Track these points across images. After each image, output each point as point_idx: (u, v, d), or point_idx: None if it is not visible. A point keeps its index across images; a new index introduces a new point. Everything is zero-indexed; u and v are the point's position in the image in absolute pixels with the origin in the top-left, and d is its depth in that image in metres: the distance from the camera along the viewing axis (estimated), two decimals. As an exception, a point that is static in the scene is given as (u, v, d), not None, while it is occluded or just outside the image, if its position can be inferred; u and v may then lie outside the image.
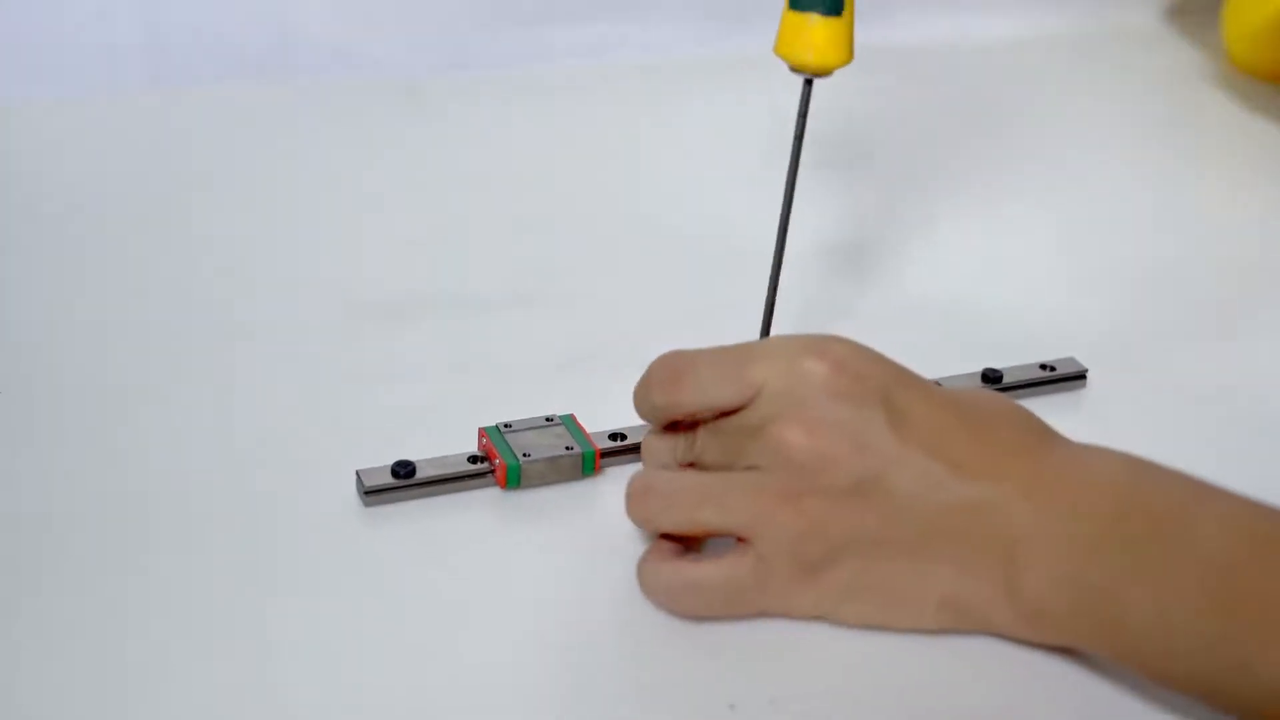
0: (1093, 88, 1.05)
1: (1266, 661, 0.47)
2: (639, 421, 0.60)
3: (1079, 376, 0.70)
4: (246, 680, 0.53)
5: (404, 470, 0.60)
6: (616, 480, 0.60)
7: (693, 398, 0.56)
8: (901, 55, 1.06)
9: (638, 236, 0.82)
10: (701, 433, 0.57)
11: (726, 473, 0.55)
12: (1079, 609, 0.51)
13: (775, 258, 0.64)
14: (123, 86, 0.95)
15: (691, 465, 0.58)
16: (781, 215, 0.63)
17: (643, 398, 0.58)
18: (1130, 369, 0.72)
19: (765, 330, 0.65)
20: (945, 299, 0.78)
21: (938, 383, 0.65)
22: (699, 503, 0.55)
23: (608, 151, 0.93)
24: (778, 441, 0.54)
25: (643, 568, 0.56)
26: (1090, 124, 1.00)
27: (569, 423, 0.63)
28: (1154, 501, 0.51)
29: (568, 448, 0.62)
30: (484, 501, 0.61)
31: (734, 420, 0.55)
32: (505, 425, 0.63)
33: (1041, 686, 0.53)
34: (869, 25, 1.13)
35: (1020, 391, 0.69)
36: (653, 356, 0.65)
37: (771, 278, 0.64)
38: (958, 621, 0.54)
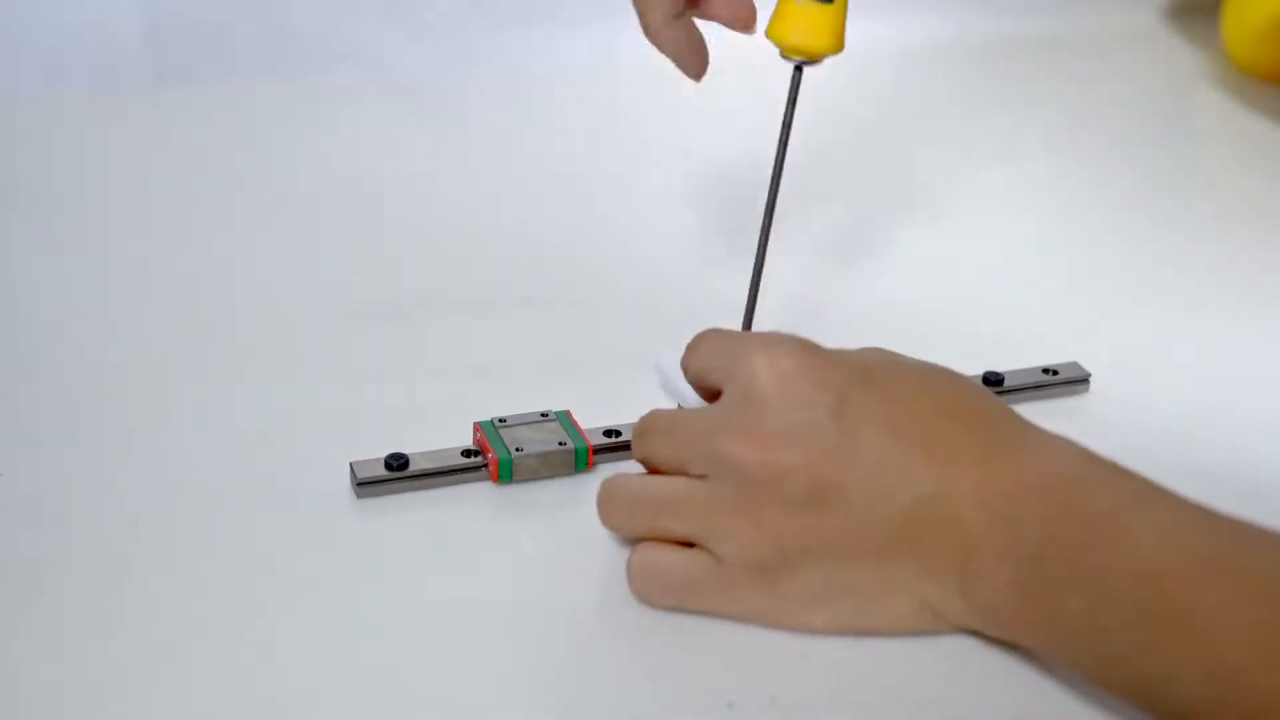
0: (1093, 88, 1.05)
1: (1190, 673, 0.47)
2: (634, 419, 0.60)
3: (1082, 381, 0.70)
4: (239, 670, 0.53)
5: (397, 462, 0.60)
6: (610, 477, 0.60)
7: (690, 367, 0.59)
8: (902, 54, 1.06)
9: (637, 235, 0.82)
10: (649, 433, 0.57)
11: (684, 480, 0.55)
12: (1022, 614, 0.51)
13: (759, 248, 0.64)
14: (123, 86, 0.95)
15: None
16: (767, 204, 0.64)
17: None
18: (1132, 373, 0.71)
19: (746, 326, 0.66)
20: (947, 300, 0.77)
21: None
22: (657, 511, 0.55)
23: (607, 151, 0.93)
24: (730, 453, 0.53)
25: (634, 549, 0.56)
26: (1090, 124, 1.00)
27: (564, 419, 0.63)
28: (1093, 505, 0.51)
29: (560, 443, 0.62)
30: (476, 495, 0.61)
31: (690, 419, 0.56)
32: (500, 420, 0.63)
33: (1040, 685, 0.53)
34: (869, 24, 1.13)
35: (1022, 395, 0.68)
36: (650, 355, 0.67)
37: (755, 268, 0.65)
38: (937, 623, 0.54)
